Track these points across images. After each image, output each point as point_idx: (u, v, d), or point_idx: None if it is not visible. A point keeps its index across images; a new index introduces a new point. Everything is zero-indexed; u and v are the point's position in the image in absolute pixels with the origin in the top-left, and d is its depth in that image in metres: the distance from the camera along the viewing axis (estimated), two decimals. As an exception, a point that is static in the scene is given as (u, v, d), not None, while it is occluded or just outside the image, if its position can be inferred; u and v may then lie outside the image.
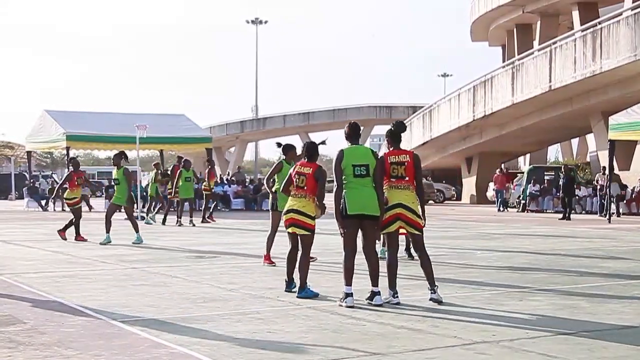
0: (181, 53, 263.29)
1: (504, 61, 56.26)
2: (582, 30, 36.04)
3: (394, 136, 9.58)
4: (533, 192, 37.69)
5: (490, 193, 42.47)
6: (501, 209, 37.97)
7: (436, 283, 9.46)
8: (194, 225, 24.39)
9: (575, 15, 48.02)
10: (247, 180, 43.56)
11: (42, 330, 7.72)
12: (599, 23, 34.61)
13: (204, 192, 27.60)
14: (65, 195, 19.57)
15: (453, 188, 52.43)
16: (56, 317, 8.42)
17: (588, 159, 49.14)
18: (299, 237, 10.06)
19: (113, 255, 15.07)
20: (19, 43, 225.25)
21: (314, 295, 9.87)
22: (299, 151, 11.95)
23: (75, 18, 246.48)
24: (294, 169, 10.23)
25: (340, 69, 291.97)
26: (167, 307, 9.04)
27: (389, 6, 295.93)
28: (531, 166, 45.00)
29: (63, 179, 19.94)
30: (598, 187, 30.76)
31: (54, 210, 36.23)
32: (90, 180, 63.07)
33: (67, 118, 36.16)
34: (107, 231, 17.89)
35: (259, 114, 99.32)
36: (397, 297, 9.28)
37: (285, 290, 10.22)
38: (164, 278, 11.69)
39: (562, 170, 32.48)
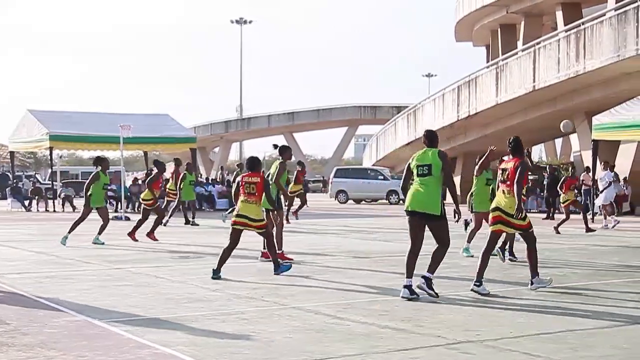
0: (165, 53, 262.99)
1: (488, 61, 56.37)
2: (566, 31, 36.15)
3: (516, 147, 10.59)
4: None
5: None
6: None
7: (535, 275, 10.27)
8: (197, 225, 24.40)
9: (559, 15, 48.14)
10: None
11: (25, 331, 7.67)
12: (583, 23, 34.71)
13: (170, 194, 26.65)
14: (142, 196, 19.37)
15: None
16: (39, 317, 8.38)
17: (572, 159, 49.30)
18: (240, 233, 11.77)
19: (97, 255, 15.00)
20: None
21: (288, 268, 11.83)
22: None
23: (58, 17, 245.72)
24: (241, 179, 11.84)
25: (325, 69, 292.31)
26: (151, 307, 9.01)
27: (373, 7, 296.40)
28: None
29: (149, 180, 19.54)
30: (583, 187, 30.86)
31: (37, 210, 36.07)
32: (75, 180, 62.80)
33: (50, 118, 35.93)
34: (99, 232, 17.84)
35: (244, 114, 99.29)
36: (479, 286, 10.04)
37: (212, 277, 11.37)
38: (148, 278, 11.66)
39: (547, 170, 32.57)
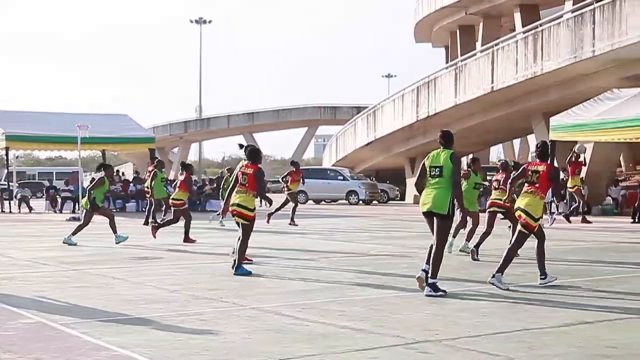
0: (123, 52, 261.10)
1: (447, 62, 56.71)
2: (524, 32, 36.48)
3: (544, 152, 11.06)
4: (476, 191, 38.08)
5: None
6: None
7: (545, 271, 10.99)
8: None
9: (517, 17, 48.55)
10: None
11: (-20, 333, 7.57)
12: (540, 25, 35.06)
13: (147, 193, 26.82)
14: (173, 196, 19.06)
15: (397, 188, 52.69)
16: (-5, 320, 8.27)
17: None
18: (240, 226, 12.18)
19: (54, 257, 14.84)
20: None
21: (248, 273, 11.85)
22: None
23: (16, 17, 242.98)
24: (239, 169, 12.33)
25: (285, 70, 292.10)
26: (108, 309, 8.93)
27: (333, 6, 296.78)
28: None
29: (180, 181, 19.29)
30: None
31: (2, 211, 35.61)
32: (31, 181, 62.10)
33: (6, 118, 35.50)
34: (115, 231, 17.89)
35: (203, 114, 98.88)
36: (545, 278, 10.90)
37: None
38: (105, 280, 11.56)
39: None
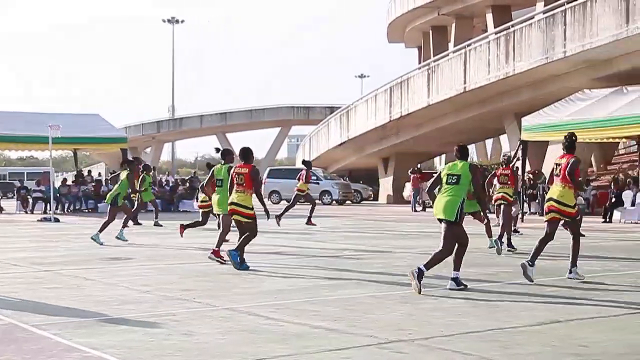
0: (96, 52, 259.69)
1: (420, 62, 56.89)
2: (496, 33, 36.68)
3: (570, 145, 11.69)
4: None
5: (407, 193, 42.89)
6: (416, 209, 38.43)
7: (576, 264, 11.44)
8: (160, 225, 24.31)
9: (489, 18, 48.80)
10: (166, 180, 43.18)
11: (-50, 335, 7.49)
12: (512, 26, 35.27)
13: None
14: (201, 199, 19.26)
15: (370, 188, 52.77)
16: (-35, 321, 8.18)
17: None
18: (242, 225, 12.68)
19: (25, 258, 14.73)
20: None
21: (246, 268, 12.37)
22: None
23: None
24: (233, 170, 12.81)
25: (258, 69, 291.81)
26: (80, 310, 8.86)
27: (306, 6, 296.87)
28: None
29: (206, 182, 19.20)
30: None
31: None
32: (2, 181, 61.55)
33: (-23, 118, 35.20)
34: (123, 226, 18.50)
35: (176, 114, 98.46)
36: (574, 273, 11.45)
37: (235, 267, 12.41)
38: (77, 281, 11.47)
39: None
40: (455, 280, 10.42)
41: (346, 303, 9.30)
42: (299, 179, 25.19)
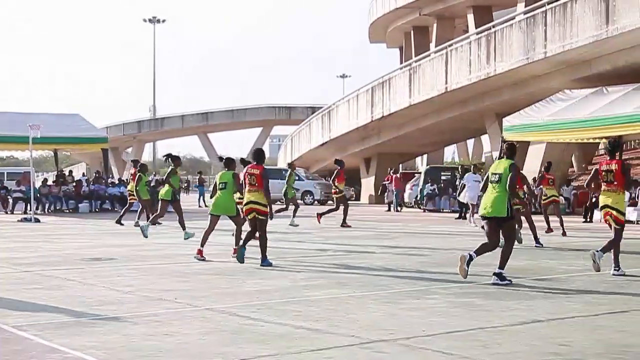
0: (76, 51, 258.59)
1: (401, 63, 57.00)
2: (477, 33, 36.77)
3: (614, 149, 12.24)
4: (430, 192, 38.39)
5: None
6: (397, 209, 38.53)
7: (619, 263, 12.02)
8: (159, 223, 24.26)
9: (470, 18, 48.96)
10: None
11: None
12: (493, 26, 35.38)
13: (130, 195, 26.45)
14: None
15: (352, 188, 52.80)
16: (-56, 323, 8.13)
17: (483, 160, 50.21)
18: (257, 222, 13.35)
19: (5, 258, 14.64)
20: None
21: (270, 264, 13.05)
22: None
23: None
24: (245, 172, 13.51)
25: (239, 69, 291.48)
26: (61, 310, 8.83)
27: (288, 6, 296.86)
28: (428, 166, 45.74)
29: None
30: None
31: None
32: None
33: (-45, 117, 34.99)
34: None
35: (157, 114, 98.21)
36: (618, 271, 12.00)
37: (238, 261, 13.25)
38: (58, 281, 11.42)
39: (459, 170, 33.10)
40: (500, 275, 10.91)
41: (328, 303, 9.31)
42: (334, 181, 25.32)
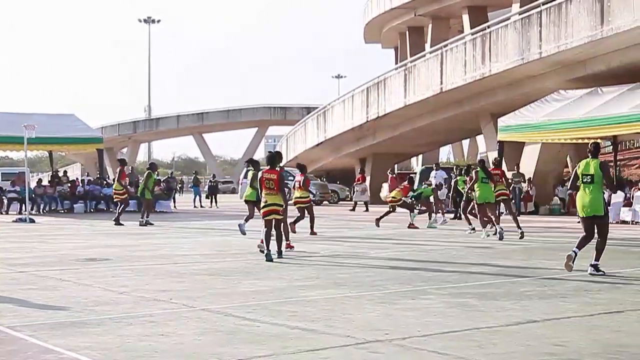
0: (71, 51, 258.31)
1: (396, 63, 57.02)
2: (472, 34, 36.81)
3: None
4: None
5: (384, 194, 42.93)
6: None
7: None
8: (152, 224, 24.79)
9: (466, 18, 49.00)
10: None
11: None
12: (488, 27, 35.41)
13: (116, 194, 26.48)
14: (298, 195, 20.68)
15: (347, 189, 52.76)
16: (-61, 323, 8.11)
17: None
18: (274, 221, 14.35)
19: (0, 258, 14.61)
20: None
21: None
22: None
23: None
24: (262, 176, 14.58)
25: (234, 70, 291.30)
26: (56, 311, 8.82)
27: (284, 7, 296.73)
28: (423, 167, 45.75)
29: (298, 182, 20.84)
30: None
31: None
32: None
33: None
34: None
35: (152, 114, 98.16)
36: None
37: (267, 260, 13.85)
38: (53, 282, 11.41)
39: (454, 171, 33.08)
40: (596, 267, 11.77)
41: (323, 303, 9.31)
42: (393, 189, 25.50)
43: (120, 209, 25.38)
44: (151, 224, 24.62)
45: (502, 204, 21.83)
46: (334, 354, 6.73)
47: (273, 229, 14.43)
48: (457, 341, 7.20)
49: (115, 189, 26.37)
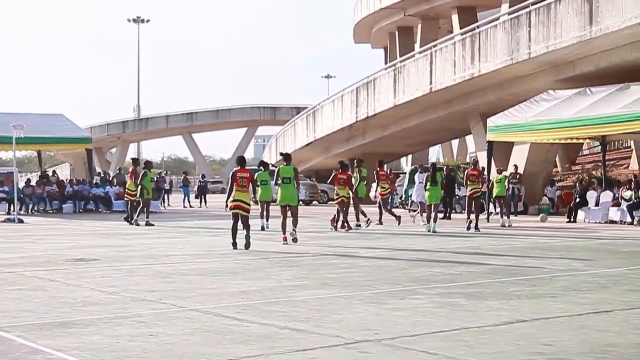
0: (60, 51, 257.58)
1: (386, 63, 57.07)
2: (462, 34, 36.85)
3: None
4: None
5: (373, 193, 42.94)
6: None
7: None
8: (152, 225, 24.79)
9: (455, 19, 49.06)
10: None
11: None
12: (477, 27, 35.46)
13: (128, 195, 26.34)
14: (339, 192, 22.83)
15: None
16: None
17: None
18: (240, 217, 15.96)
19: (-12, 259, 14.57)
20: None
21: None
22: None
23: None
24: (236, 173, 15.94)
25: (224, 70, 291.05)
26: (45, 311, 8.79)
27: (273, 7, 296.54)
28: (413, 167, 45.77)
29: (337, 179, 23.09)
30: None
31: None
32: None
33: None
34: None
35: (141, 114, 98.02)
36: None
37: (234, 249, 15.63)
38: (41, 282, 11.37)
39: (443, 170, 33.11)
40: None
41: (313, 303, 9.31)
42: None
43: (138, 209, 25.27)
44: (151, 224, 24.55)
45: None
46: (324, 354, 6.73)
47: (240, 222, 16.02)
48: (447, 341, 7.20)
49: (128, 188, 26.19)
